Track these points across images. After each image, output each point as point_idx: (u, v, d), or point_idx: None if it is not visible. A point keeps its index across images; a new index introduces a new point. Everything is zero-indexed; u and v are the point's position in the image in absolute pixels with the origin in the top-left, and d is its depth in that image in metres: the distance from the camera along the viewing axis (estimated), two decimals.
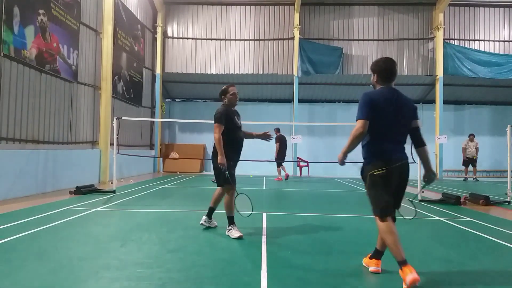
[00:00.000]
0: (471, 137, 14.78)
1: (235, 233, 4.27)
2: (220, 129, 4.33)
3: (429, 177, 3.17)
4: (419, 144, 3.18)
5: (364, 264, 3.40)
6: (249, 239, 4.23)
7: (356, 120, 3.03)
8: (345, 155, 3.15)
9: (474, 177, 14.69)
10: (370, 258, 3.32)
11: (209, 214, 4.75)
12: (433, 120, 15.97)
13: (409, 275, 2.71)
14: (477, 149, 14.60)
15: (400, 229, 4.83)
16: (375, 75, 3.23)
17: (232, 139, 4.42)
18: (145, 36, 15.26)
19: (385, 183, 3.00)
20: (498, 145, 16.24)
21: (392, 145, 3.08)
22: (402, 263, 2.81)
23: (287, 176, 12.94)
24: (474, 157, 14.56)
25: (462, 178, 15.06)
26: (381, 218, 2.99)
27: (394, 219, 3.06)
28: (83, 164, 9.94)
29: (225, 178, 4.34)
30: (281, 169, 12.93)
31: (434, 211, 6.50)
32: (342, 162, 3.22)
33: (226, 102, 4.56)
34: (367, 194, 3.14)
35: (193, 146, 16.77)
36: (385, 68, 3.20)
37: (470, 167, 14.80)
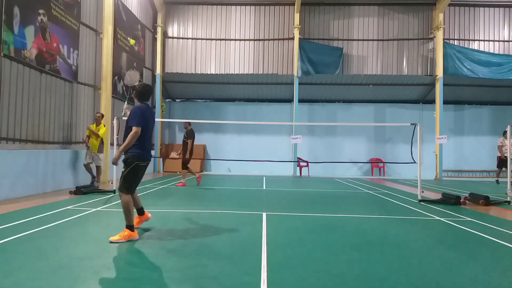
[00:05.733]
0: (506, 134, 14.17)
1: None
2: None
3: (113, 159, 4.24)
4: None
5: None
6: (249, 239, 4.23)
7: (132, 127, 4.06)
8: (121, 154, 4.14)
9: None
10: (139, 215, 4.62)
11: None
12: (433, 120, 15.99)
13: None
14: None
15: (400, 229, 4.87)
16: (136, 96, 4.33)
17: None
18: (145, 36, 15.26)
19: (141, 173, 4.20)
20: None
21: (149, 144, 4.30)
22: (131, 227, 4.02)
23: (200, 177, 10.68)
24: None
25: (494, 179, 13.78)
26: (129, 193, 4.13)
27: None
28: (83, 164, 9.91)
29: None
30: (187, 171, 10.53)
31: (434, 211, 6.50)
32: (117, 162, 4.23)
33: None
34: (124, 176, 4.10)
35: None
36: (141, 91, 4.30)
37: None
